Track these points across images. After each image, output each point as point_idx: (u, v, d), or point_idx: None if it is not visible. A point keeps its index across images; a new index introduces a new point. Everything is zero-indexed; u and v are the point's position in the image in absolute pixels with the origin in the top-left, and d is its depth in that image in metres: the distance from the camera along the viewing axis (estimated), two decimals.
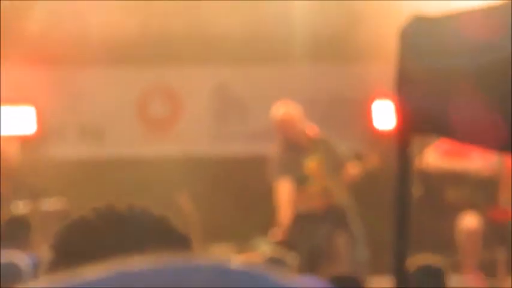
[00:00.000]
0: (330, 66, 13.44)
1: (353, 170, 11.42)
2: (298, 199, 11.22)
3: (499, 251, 10.72)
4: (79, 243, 2.03)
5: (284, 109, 11.26)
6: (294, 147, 11.17)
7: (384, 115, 11.52)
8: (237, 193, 12.02)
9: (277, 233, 11.18)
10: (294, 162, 11.01)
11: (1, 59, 12.50)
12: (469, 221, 11.30)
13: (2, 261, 6.67)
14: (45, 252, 2.18)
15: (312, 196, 11.20)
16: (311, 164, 10.92)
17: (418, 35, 6.22)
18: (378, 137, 11.41)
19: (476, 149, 9.56)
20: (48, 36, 11.91)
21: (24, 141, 12.07)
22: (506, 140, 6.06)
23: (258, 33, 13.44)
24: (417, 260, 7.68)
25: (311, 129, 11.40)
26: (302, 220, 11.21)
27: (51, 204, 10.68)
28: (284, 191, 11.13)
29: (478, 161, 10.86)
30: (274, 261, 8.19)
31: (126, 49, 13.11)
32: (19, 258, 5.79)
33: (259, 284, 0.92)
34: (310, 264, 10.95)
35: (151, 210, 2.01)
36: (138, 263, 0.91)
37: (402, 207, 6.07)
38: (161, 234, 1.91)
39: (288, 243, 10.63)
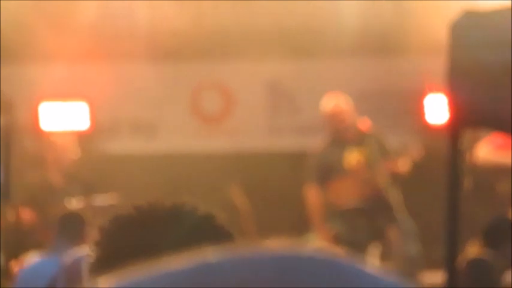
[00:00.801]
0: (382, 59, 13.20)
1: (403, 164, 11.39)
2: (340, 193, 11.32)
3: None
4: (122, 240, 2.14)
5: (334, 102, 11.32)
6: (342, 141, 11.29)
7: (436, 109, 11.41)
8: (288, 187, 11.83)
9: (319, 232, 11.33)
10: (338, 156, 11.19)
11: (54, 56, 12.48)
12: None
13: (65, 258, 5.89)
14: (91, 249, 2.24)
15: (353, 189, 11.25)
16: (352, 156, 11.03)
17: (468, 29, 6.43)
18: (430, 130, 11.33)
19: None
20: (101, 31, 11.73)
21: (78, 137, 12.10)
22: None
23: (308, 27, 13.20)
24: (469, 254, 7.86)
25: (363, 122, 11.38)
26: (346, 214, 11.38)
27: (104, 199, 10.72)
28: (312, 195, 11.36)
29: None
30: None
31: (179, 44, 12.90)
32: (82, 254, 5.84)
33: (346, 271, 0.93)
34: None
35: (198, 208, 2.10)
36: (215, 255, 0.96)
37: (453, 200, 6.39)
38: (205, 232, 2.02)
39: (336, 239, 10.90)
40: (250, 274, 0.96)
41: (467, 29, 6.54)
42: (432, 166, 9.41)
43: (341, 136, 11.05)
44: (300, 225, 11.32)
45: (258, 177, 11.62)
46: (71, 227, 9.04)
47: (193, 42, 13.19)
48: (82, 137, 11.77)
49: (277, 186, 11.54)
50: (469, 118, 6.72)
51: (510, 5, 6.49)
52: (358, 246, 10.60)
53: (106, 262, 2.12)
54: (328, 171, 11.06)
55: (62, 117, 12.56)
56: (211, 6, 13.32)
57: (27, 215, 11.25)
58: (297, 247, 1.02)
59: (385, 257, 10.13)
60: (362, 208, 11.17)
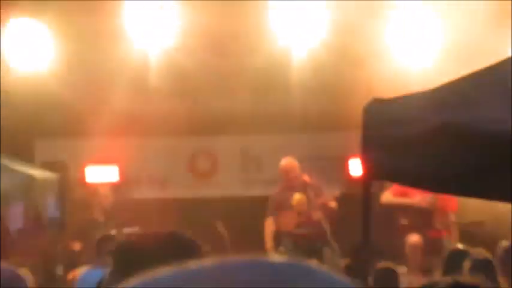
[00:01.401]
0: (320, 134, 12.83)
1: (332, 204, 11.01)
2: (289, 220, 10.76)
3: (435, 260, 9.79)
4: (131, 255, 2.24)
5: (287, 162, 10.96)
6: (291, 187, 10.79)
7: (356, 167, 10.56)
8: (256, 221, 11.14)
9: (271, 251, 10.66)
10: (287, 197, 10.67)
11: (90, 130, 11.96)
12: (414, 239, 10.60)
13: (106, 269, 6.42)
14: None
15: (297, 220, 10.72)
16: (297, 197, 10.57)
17: (376, 111, 5.91)
18: (353, 181, 10.79)
19: (417, 190, 9.62)
20: (130, 116, 12.15)
21: (111, 187, 11.73)
22: (437, 185, 6.08)
23: (267, 112, 12.70)
24: (379, 266, 7.59)
25: (305, 176, 10.98)
26: (293, 237, 10.86)
27: (130, 230, 10.19)
28: (269, 225, 10.85)
29: (418, 197, 10.64)
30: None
31: (179, 124, 12.46)
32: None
33: (308, 275, 0.81)
34: None
35: (184, 234, 2.29)
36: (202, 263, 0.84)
37: (366, 229, 5.99)
38: (186, 248, 2.16)
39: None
40: (236, 276, 0.85)
41: (375, 112, 5.90)
42: (353, 205, 8.42)
43: (290, 184, 10.79)
44: (262, 246, 10.90)
45: (235, 215, 11.31)
46: (109, 248, 8.11)
47: (191, 122, 12.81)
48: (114, 187, 11.62)
49: (248, 221, 11.04)
50: (376, 174, 6.20)
51: (405, 94, 6.15)
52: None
53: (119, 272, 2.23)
54: (280, 208, 10.72)
55: (101, 174, 12.05)
56: (206, 96, 12.83)
57: (77, 242, 10.75)
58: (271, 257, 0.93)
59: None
60: (304, 233, 10.68)
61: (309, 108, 12.03)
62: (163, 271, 0.84)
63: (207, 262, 0.83)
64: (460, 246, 9.45)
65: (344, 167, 11.39)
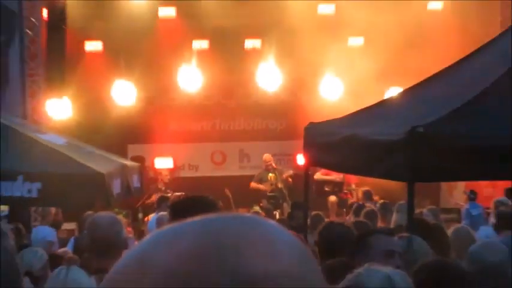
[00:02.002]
0: (283, 141, 11.76)
1: (289, 179, 10.81)
2: (266, 188, 10.73)
3: (345, 210, 9.75)
4: (180, 208, 2.15)
5: (265, 156, 11.04)
6: (267, 170, 10.94)
7: (301, 160, 9.55)
8: (247, 187, 10.78)
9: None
10: (265, 175, 10.94)
11: (158, 139, 11.56)
12: (332, 199, 10.36)
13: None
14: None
15: (269, 186, 10.76)
16: (271, 175, 10.82)
17: (311, 129, 5.65)
18: (298, 167, 10.44)
19: (334, 171, 9.21)
20: (178, 128, 11.71)
21: (169, 171, 11.43)
22: (345, 169, 6.14)
23: (254, 129, 12.02)
24: (312, 213, 6.84)
25: (274, 164, 11.01)
26: (267, 196, 10.78)
27: (179, 194, 9.10)
28: (253, 185, 10.69)
29: (335, 175, 10.32)
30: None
31: (205, 135, 11.86)
32: None
33: (259, 225, 0.58)
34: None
35: (212, 198, 2.21)
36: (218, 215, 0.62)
37: (306, 193, 5.88)
38: (213, 206, 2.08)
39: (262, 208, 10.15)
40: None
41: (310, 129, 5.62)
42: (299, 180, 8.44)
43: (267, 168, 11.15)
44: (251, 203, 10.76)
45: (235, 186, 10.81)
46: (167, 204, 7.53)
47: (211, 135, 12.13)
48: (170, 170, 11.59)
49: (243, 189, 10.72)
50: (312, 163, 6.16)
51: (328, 120, 5.63)
52: (271, 212, 10.16)
53: (173, 218, 2.07)
54: (261, 181, 10.96)
55: (163, 163, 11.85)
56: (219, 121, 12.08)
57: (149, 200, 9.97)
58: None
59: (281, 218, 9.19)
60: (274, 195, 10.67)
61: (277, 127, 12.31)
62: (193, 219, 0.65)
63: (211, 215, 0.62)
64: (360, 202, 9.27)
65: (294, 159, 11.38)
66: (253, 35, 11.17)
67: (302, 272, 0.55)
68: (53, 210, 7.59)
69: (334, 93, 10.88)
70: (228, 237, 0.52)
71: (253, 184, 10.89)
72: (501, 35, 5.20)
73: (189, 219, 0.55)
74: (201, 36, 11.04)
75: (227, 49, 10.82)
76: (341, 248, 3.28)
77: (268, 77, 10.94)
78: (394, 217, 6.15)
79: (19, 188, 5.38)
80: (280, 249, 0.54)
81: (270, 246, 0.53)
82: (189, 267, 0.49)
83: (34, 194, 5.43)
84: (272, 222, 0.60)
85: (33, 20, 9.11)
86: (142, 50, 10.53)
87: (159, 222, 6.09)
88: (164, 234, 0.54)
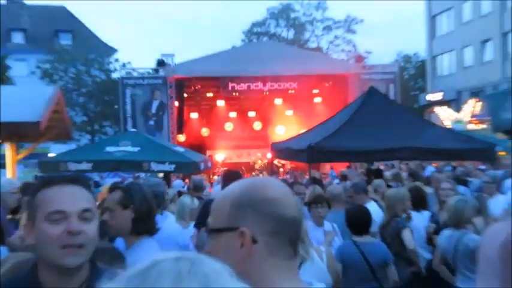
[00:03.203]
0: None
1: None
2: (257, 172, 18.83)
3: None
4: (228, 176, 2.49)
5: (255, 156, 19.43)
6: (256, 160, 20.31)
7: (271, 156, 12.19)
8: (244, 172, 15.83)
9: None
10: (256, 162, 19.57)
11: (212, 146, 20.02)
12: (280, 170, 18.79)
13: None
14: None
15: (258, 170, 18.94)
16: (259, 162, 18.22)
17: (277, 144, 8.44)
18: (271, 159, 13.26)
19: (290, 160, 13.19)
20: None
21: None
22: (299, 160, 8.16)
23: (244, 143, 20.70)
24: None
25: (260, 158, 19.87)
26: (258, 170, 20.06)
27: (225, 169, 10.75)
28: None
29: (284, 162, 16.06)
30: None
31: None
32: None
33: None
34: None
35: (239, 170, 2.94)
36: None
37: (271, 174, 11.85)
38: (237, 175, 2.32)
39: None
40: None
41: (276, 145, 8.53)
42: (270, 166, 13.83)
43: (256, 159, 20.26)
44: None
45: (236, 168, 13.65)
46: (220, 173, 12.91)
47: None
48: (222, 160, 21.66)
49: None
50: (277, 157, 10.57)
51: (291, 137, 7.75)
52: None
53: (224, 183, 2.38)
54: (253, 169, 19.38)
55: (219, 157, 20.93)
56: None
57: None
58: None
59: None
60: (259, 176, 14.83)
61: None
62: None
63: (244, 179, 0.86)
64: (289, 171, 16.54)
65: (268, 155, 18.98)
66: None
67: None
68: None
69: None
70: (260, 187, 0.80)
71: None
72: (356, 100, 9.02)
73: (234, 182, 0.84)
74: None
75: None
76: None
77: None
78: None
79: None
80: (293, 199, 0.86)
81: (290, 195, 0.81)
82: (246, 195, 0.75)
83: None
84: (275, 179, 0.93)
85: None
86: None
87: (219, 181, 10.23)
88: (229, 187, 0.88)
